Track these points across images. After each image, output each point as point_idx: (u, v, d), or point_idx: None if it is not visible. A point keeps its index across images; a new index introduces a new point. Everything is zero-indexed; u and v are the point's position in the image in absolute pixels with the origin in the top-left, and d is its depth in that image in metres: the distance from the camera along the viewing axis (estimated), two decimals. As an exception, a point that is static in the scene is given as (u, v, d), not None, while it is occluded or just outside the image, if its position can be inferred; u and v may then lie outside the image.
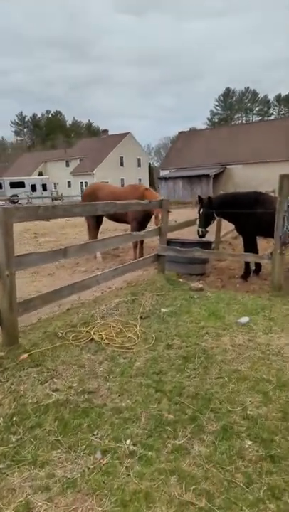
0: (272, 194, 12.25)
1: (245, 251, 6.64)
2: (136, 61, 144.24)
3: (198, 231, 6.51)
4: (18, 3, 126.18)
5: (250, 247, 6.62)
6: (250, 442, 2.07)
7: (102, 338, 3.41)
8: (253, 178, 29.69)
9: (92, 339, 3.39)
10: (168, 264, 6.59)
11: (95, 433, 2.14)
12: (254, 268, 6.80)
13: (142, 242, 7.53)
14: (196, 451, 2.01)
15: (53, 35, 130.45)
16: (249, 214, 6.22)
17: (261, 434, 2.13)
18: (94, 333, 3.48)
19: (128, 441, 2.07)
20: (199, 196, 6.74)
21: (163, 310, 4.32)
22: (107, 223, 8.92)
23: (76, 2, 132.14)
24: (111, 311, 4.13)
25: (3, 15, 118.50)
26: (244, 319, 3.97)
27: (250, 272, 6.62)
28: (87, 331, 3.54)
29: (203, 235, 6.52)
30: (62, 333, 3.41)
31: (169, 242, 6.63)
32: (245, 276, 6.55)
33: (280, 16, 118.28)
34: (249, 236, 6.56)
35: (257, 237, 6.70)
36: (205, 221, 6.44)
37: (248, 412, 2.33)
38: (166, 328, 3.75)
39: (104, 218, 8.11)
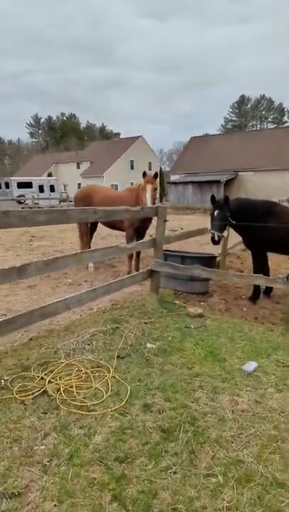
0: (285, 203, 11.31)
1: (254, 268, 5.73)
2: (156, 66, 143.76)
3: (212, 236, 5.37)
4: (41, 6, 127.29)
5: (260, 264, 5.71)
6: None
7: (58, 390, 2.55)
8: (265, 185, 28.62)
9: (45, 391, 2.54)
10: (164, 280, 5.72)
11: None
12: (264, 288, 5.88)
13: (138, 252, 6.68)
14: None
15: (74, 38, 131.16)
16: (260, 227, 5.31)
17: None
18: (49, 382, 2.63)
19: None
20: (213, 196, 5.66)
21: (149, 345, 3.45)
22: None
23: (99, 5, 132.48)
24: (82, 345, 3.28)
25: (27, 17, 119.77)
26: (251, 366, 3.07)
27: (259, 293, 5.70)
28: (41, 378, 2.69)
29: (219, 241, 5.45)
30: (5, 382, 2.57)
31: (167, 255, 5.78)
32: (254, 298, 5.63)
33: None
34: (259, 252, 5.65)
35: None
36: (221, 224, 5.26)
37: None
38: (148, 376, 2.87)
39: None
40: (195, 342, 3.60)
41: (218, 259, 7.30)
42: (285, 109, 79.18)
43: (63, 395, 2.51)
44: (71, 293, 5.61)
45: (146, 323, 3.93)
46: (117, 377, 2.81)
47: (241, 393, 2.66)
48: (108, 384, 2.70)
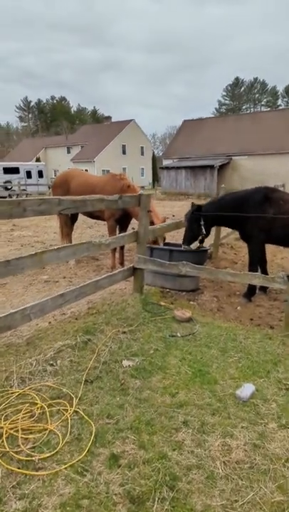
0: (281, 189, 10.71)
1: (249, 262, 5.18)
2: (149, 47, 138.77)
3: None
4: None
5: (256, 258, 5.16)
6: None
7: (0, 437, 1.97)
8: (260, 170, 27.92)
9: (-18, 440, 1.96)
10: (151, 276, 5.15)
11: None
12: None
13: (122, 245, 6.06)
14: None
15: (65, 17, 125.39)
16: (257, 217, 4.74)
17: None
18: (-10, 424, 2.05)
19: None
20: (193, 204, 5.35)
21: (125, 363, 2.88)
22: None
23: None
24: (43, 366, 2.69)
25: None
26: (247, 390, 2.52)
27: (255, 289, 5.15)
28: (-19, 418, 2.10)
29: None
30: None
31: (153, 249, 5.19)
32: (249, 295, 5.09)
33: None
34: (256, 244, 5.07)
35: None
36: (189, 236, 5.10)
37: None
38: (121, 408, 2.31)
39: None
40: (181, 356, 3.04)
41: (210, 250, 6.73)
42: (279, 92, 77.70)
43: (5, 443, 1.93)
44: (46, 292, 5.05)
45: (124, 332, 3.36)
46: (81, 411, 2.24)
47: (235, 432, 2.11)
48: (68, 423, 2.13)
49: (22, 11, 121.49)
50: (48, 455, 1.88)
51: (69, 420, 2.15)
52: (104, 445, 1.98)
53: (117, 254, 6.17)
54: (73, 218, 6.86)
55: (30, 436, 2.01)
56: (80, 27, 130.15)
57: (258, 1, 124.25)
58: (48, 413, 2.19)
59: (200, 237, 5.13)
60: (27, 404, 2.25)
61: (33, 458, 1.84)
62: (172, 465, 1.85)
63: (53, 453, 1.89)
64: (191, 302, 4.80)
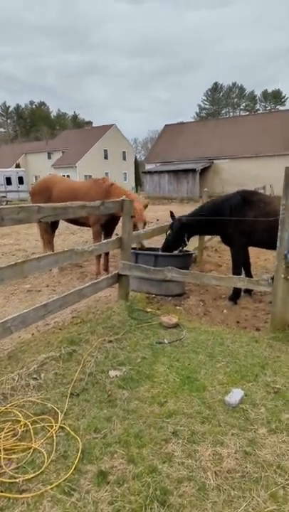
0: (261, 191, 10.91)
1: (233, 265, 5.21)
2: (131, 52, 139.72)
3: None
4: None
5: (240, 260, 5.19)
6: None
7: (-19, 460, 1.87)
8: (241, 173, 28.41)
9: None
10: (137, 282, 5.10)
11: None
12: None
13: (106, 252, 5.99)
14: None
15: (46, 22, 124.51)
16: (237, 220, 4.78)
17: None
18: None
19: None
20: (172, 213, 5.44)
21: (112, 373, 2.81)
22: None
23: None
24: (27, 380, 2.59)
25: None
26: (236, 395, 2.50)
27: (240, 292, 5.18)
28: None
29: None
30: None
31: (138, 254, 5.15)
32: (235, 297, 5.12)
33: (281, 7, 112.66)
34: (239, 248, 5.11)
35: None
36: (171, 246, 5.32)
37: None
38: (109, 421, 2.24)
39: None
40: (169, 364, 3.00)
41: (194, 254, 6.75)
42: (257, 97, 79.54)
43: (-13, 466, 1.83)
44: (28, 302, 4.92)
45: (110, 341, 3.29)
46: (67, 427, 2.16)
47: (226, 440, 2.08)
48: (53, 440, 2.04)
49: (1, 14, 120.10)
50: (32, 475, 1.79)
51: (54, 437, 2.06)
52: (91, 461, 1.91)
53: (102, 260, 6.10)
54: (54, 225, 6.75)
55: (14, 456, 1.92)
56: (61, 31, 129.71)
57: (240, 5, 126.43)
58: (31, 430, 2.10)
59: (181, 247, 5.30)
60: (9, 423, 2.15)
61: (17, 479, 1.75)
62: (163, 478, 1.79)
63: (37, 473, 1.81)
64: (178, 307, 4.77)
